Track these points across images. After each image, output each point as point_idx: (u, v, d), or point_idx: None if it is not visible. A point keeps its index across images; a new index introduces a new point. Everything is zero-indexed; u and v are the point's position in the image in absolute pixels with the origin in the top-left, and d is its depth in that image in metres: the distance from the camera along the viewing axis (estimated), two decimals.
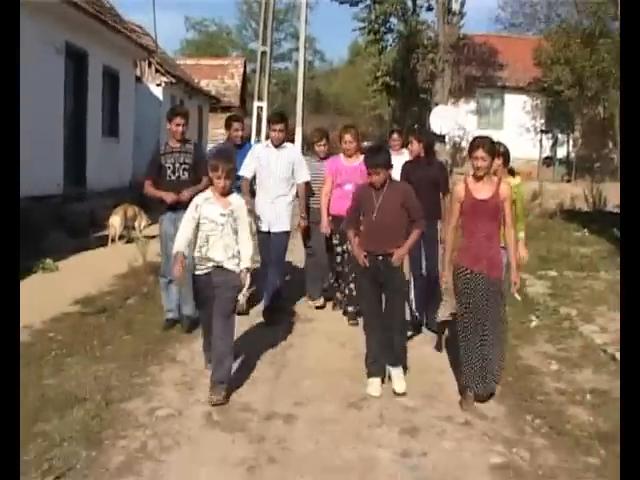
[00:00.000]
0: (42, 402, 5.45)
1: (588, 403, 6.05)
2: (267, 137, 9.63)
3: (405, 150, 8.94)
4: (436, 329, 7.81)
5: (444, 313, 8.26)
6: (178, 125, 7.48)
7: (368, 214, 6.14)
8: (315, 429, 5.33)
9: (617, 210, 16.40)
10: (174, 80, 24.87)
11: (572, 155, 34.80)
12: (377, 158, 6.08)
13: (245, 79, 40.46)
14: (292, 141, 13.70)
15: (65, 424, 5.10)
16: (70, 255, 11.56)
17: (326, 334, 7.97)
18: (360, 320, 7.60)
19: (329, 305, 9.14)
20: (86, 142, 16.65)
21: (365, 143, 20.44)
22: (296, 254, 10.33)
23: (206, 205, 5.93)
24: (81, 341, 7.11)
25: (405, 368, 6.19)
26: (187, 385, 6.13)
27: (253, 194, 8.37)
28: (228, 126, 9.13)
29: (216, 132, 33.22)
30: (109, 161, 18.00)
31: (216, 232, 5.89)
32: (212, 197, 5.95)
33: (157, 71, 24.15)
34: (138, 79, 22.72)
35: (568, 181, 31.43)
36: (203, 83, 34.54)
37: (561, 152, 35.16)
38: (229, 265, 5.90)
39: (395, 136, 10.01)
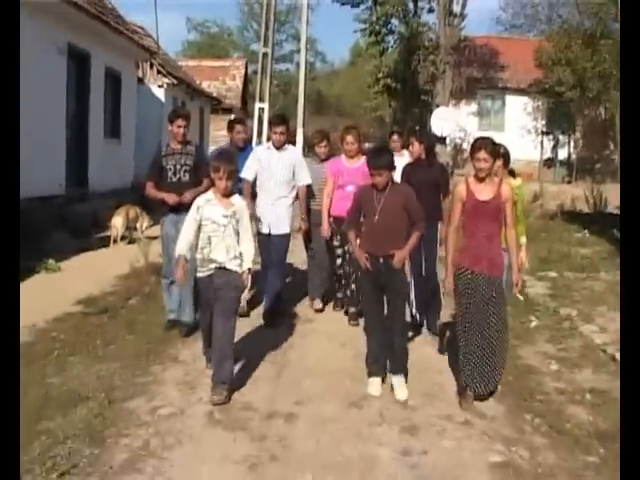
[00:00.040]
0: (45, 400, 5.49)
1: (588, 402, 6.09)
2: (268, 139, 9.66)
3: (405, 151, 8.94)
4: (437, 331, 7.81)
5: (444, 314, 8.28)
6: (180, 127, 7.49)
7: (370, 216, 6.14)
8: (316, 428, 5.37)
9: (617, 211, 16.44)
10: (176, 81, 24.91)
11: (573, 156, 34.85)
12: (380, 160, 6.07)
13: (246, 80, 40.53)
14: (293, 143, 13.73)
15: (68, 422, 5.14)
16: (72, 256, 11.61)
17: (326, 334, 8.01)
18: (361, 321, 7.65)
19: (330, 306, 9.14)
20: (88, 143, 16.70)
21: (366, 145, 20.48)
22: (297, 256, 10.36)
23: (208, 206, 5.93)
24: (84, 341, 7.15)
25: (406, 375, 6.16)
26: (189, 384, 6.16)
27: (255, 197, 8.36)
28: (231, 129, 9.13)
29: (217, 134, 33.29)
30: (111, 162, 18.05)
31: (218, 233, 5.88)
32: (214, 198, 5.96)
33: (159, 72, 24.19)
34: (140, 80, 22.79)
35: (569, 182, 31.47)
36: (204, 84, 34.59)
37: (562, 153, 35.20)
38: (231, 266, 5.90)
39: (395, 137, 10.02)
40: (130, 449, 4.86)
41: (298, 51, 38.78)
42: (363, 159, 8.32)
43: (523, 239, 7.06)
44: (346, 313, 8.63)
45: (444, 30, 30.46)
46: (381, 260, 6.08)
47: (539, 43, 33.93)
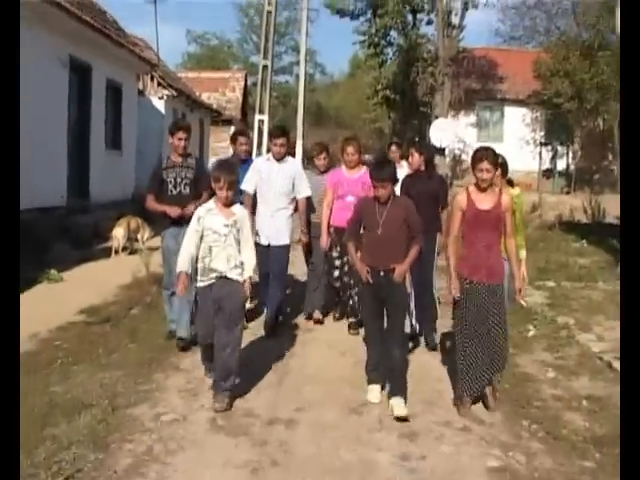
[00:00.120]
0: (50, 408, 5.56)
1: (584, 409, 6.16)
2: (268, 150, 9.69)
3: (404, 162, 8.99)
4: (434, 345, 7.84)
5: (444, 324, 8.33)
6: (180, 139, 7.48)
7: (371, 228, 6.12)
8: (316, 433, 5.45)
9: (616, 221, 16.54)
10: (176, 93, 25.01)
11: (572, 167, 34.91)
12: (383, 172, 6.04)
13: (246, 92, 40.65)
14: (293, 154, 13.82)
15: (73, 428, 5.21)
16: (74, 266, 11.69)
17: (327, 343, 8.09)
18: (361, 330, 7.72)
19: (329, 317, 9.14)
20: (89, 155, 16.82)
21: (366, 156, 20.56)
22: (297, 267, 10.43)
23: (209, 216, 5.93)
24: (87, 349, 7.23)
25: (405, 392, 6.03)
26: (191, 392, 6.24)
27: (255, 208, 8.34)
28: (234, 140, 9.16)
29: (217, 145, 33.43)
30: (112, 173, 18.16)
31: (219, 243, 5.88)
32: (215, 208, 5.96)
33: (159, 84, 24.28)
34: (140, 92, 22.90)
35: (567, 193, 31.56)
36: (204, 96, 34.68)
37: (561, 164, 35.26)
38: (232, 275, 5.90)
39: (394, 148, 10.10)
40: (134, 454, 4.94)
41: (298, 63, 38.97)
42: (363, 169, 8.41)
43: (523, 253, 7.00)
44: (349, 323, 8.64)
45: (443, 42, 30.61)
46: (382, 274, 6.07)
47: (537, 55, 34.04)
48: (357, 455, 5.10)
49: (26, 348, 7.06)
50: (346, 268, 8.43)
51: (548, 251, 14.30)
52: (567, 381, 6.94)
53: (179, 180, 7.50)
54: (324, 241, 8.53)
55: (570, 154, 35.32)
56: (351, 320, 8.57)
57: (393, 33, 34.78)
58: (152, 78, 23.97)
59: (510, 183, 7.40)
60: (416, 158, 7.94)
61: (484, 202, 5.94)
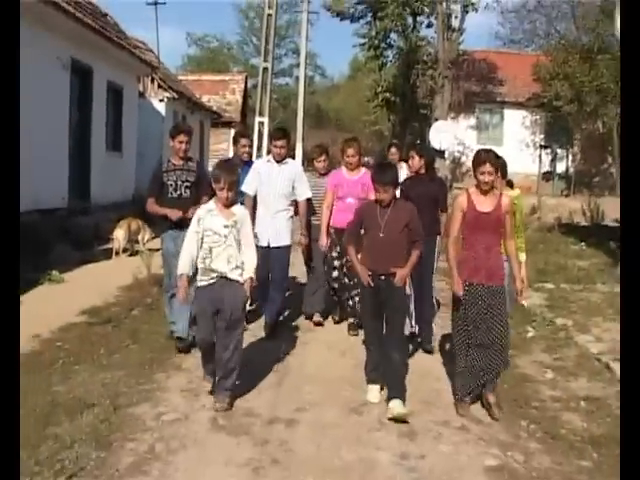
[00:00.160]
0: (52, 407, 5.59)
1: (582, 409, 6.22)
2: (268, 152, 9.70)
3: (404, 164, 9.02)
4: (431, 349, 7.85)
5: (445, 325, 8.36)
6: (181, 142, 7.44)
7: (373, 231, 6.11)
8: (317, 433, 5.50)
9: (614, 224, 16.60)
10: (176, 95, 25.05)
11: (571, 170, 34.97)
12: (386, 176, 6.04)
13: (246, 95, 40.73)
14: (293, 157, 13.84)
15: (75, 427, 5.25)
16: (75, 267, 11.72)
17: (327, 343, 8.14)
18: (360, 331, 7.75)
19: (329, 319, 9.14)
20: (90, 157, 16.86)
21: (366, 158, 20.63)
22: (297, 268, 10.47)
23: (209, 217, 5.91)
24: (88, 350, 7.25)
25: (404, 395, 6.04)
26: (192, 392, 6.28)
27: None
28: (236, 142, 9.18)
29: (217, 147, 33.51)
30: (113, 175, 18.21)
31: (219, 243, 5.87)
32: (215, 209, 5.94)
33: (160, 87, 24.33)
34: (141, 94, 22.95)
35: (567, 196, 31.60)
36: (204, 99, 34.72)
37: (560, 167, 35.33)
38: (233, 276, 5.90)
39: (393, 150, 10.14)
40: (136, 453, 4.99)
41: (298, 65, 39.05)
42: (363, 171, 8.44)
43: (523, 256, 7.02)
44: (349, 323, 8.66)
45: (443, 44, 30.67)
46: (382, 278, 6.08)
47: (537, 58, 34.08)
48: (357, 454, 5.15)
49: (28, 348, 7.11)
50: (345, 269, 8.43)
51: (547, 253, 14.36)
52: (565, 382, 6.99)
53: (180, 183, 7.46)
54: (323, 242, 8.53)
55: (569, 157, 35.40)
56: (351, 321, 8.60)
57: (393, 36, 34.86)
58: (152, 80, 24.02)
59: (510, 184, 7.43)
60: (416, 161, 7.93)
61: (485, 204, 5.95)
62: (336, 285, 8.71)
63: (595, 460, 5.20)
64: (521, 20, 41.21)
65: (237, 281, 5.93)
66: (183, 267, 5.97)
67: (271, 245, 8.21)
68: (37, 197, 12.68)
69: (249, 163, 9.03)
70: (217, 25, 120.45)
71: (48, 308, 8.80)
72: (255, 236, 7.68)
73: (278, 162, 8.32)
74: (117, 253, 13.32)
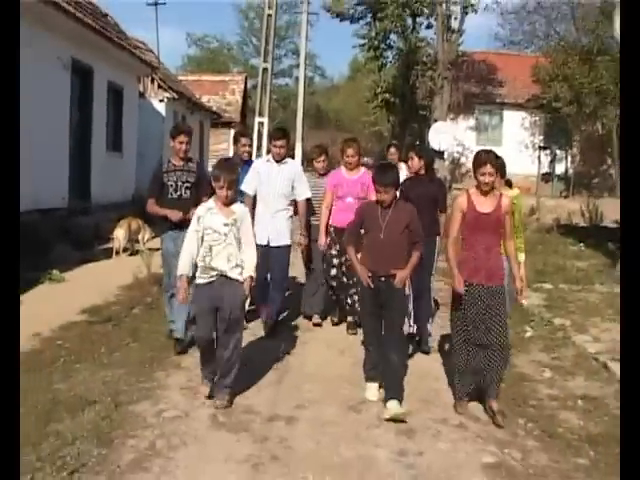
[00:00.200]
0: (53, 404, 5.64)
1: (579, 408, 6.27)
2: (268, 152, 9.72)
3: (403, 165, 9.04)
4: (429, 349, 7.87)
5: (444, 325, 8.39)
6: (182, 143, 7.43)
7: (374, 232, 6.12)
8: (316, 430, 5.55)
9: (613, 225, 16.66)
10: (176, 96, 25.08)
11: (570, 171, 35.02)
12: (387, 177, 6.05)
13: (246, 95, 40.76)
14: (292, 157, 13.87)
15: (77, 424, 5.29)
16: (75, 267, 11.77)
17: (326, 342, 8.19)
18: (359, 330, 7.77)
19: (327, 320, 9.12)
20: (91, 157, 16.90)
21: (365, 159, 20.66)
22: (296, 268, 10.50)
23: (209, 215, 5.91)
24: (89, 348, 7.30)
25: (401, 395, 6.07)
26: (192, 389, 6.31)
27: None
28: (236, 141, 9.19)
29: (217, 147, 33.55)
30: (113, 175, 18.26)
31: (219, 242, 5.87)
32: (214, 207, 5.94)
33: (160, 87, 24.36)
34: (141, 95, 23.00)
35: (566, 197, 31.66)
36: (204, 99, 34.76)
37: (559, 168, 35.37)
38: (232, 274, 5.90)
39: (393, 150, 10.16)
40: (137, 449, 5.03)
41: (297, 66, 39.11)
42: (362, 170, 8.48)
43: (522, 256, 7.07)
44: (347, 323, 8.70)
45: (442, 46, 30.68)
46: (382, 279, 6.09)
47: (537, 59, 34.11)
48: (356, 451, 5.19)
49: (29, 347, 7.15)
50: (344, 268, 8.43)
51: (546, 254, 14.41)
52: (563, 381, 7.05)
53: (180, 184, 7.46)
54: (322, 241, 8.55)
55: (569, 158, 35.46)
56: (349, 319, 8.64)
57: (393, 37, 34.83)
58: (153, 81, 24.06)
59: (508, 184, 7.46)
60: (415, 162, 7.94)
61: (485, 205, 5.96)
62: (334, 283, 8.70)
63: (592, 458, 5.25)
64: (521, 21, 41.24)
65: (237, 280, 5.93)
66: (183, 267, 5.97)
67: (271, 244, 8.23)
68: (37, 197, 12.73)
69: (249, 162, 9.04)
70: (217, 25, 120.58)
71: (49, 307, 8.84)
72: (253, 235, 7.75)
73: (278, 162, 8.34)
74: (117, 252, 13.37)
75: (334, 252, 8.56)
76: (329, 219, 8.56)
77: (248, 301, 7.76)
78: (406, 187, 7.69)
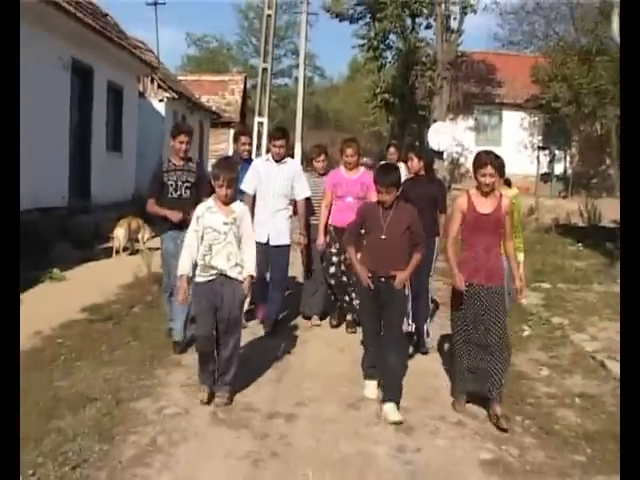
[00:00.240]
0: (55, 402, 5.69)
1: (577, 406, 6.32)
2: (268, 151, 9.72)
3: (402, 165, 9.06)
4: (425, 351, 7.87)
5: (444, 325, 8.41)
6: (182, 143, 7.45)
7: (375, 233, 6.12)
8: (315, 427, 5.60)
9: (611, 225, 16.70)
10: (176, 96, 25.09)
11: (569, 171, 35.05)
12: (389, 178, 6.05)
13: (245, 95, 40.75)
14: (292, 156, 13.90)
15: (78, 421, 5.34)
16: (76, 266, 11.81)
17: (325, 341, 8.23)
18: (359, 329, 7.80)
19: (327, 320, 9.12)
20: (91, 156, 16.94)
21: (364, 159, 20.67)
22: (296, 267, 10.51)
23: (208, 214, 5.92)
24: (89, 346, 7.34)
25: (399, 396, 6.09)
26: (192, 387, 6.33)
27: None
28: (236, 139, 9.20)
29: (217, 147, 33.58)
30: (113, 175, 18.29)
31: (219, 241, 5.88)
32: (214, 206, 5.95)
33: (159, 87, 24.37)
34: (141, 95, 23.02)
35: (565, 197, 31.69)
36: (204, 99, 34.76)
37: (558, 168, 35.38)
38: (232, 273, 5.91)
39: (392, 150, 10.18)
40: (138, 445, 5.08)
41: (297, 66, 39.12)
42: (362, 170, 8.51)
43: (521, 256, 7.10)
44: (346, 321, 8.73)
45: (441, 46, 30.69)
46: (382, 280, 6.10)
47: (536, 59, 34.08)
48: (355, 448, 5.24)
49: (30, 345, 7.20)
50: (343, 267, 8.45)
51: (544, 254, 14.45)
52: (561, 379, 7.09)
53: (180, 183, 7.47)
54: (321, 240, 8.56)
55: (568, 158, 35.47)
56: (349, 318, 8.67)
57: (392, 37, 34.79)
58: (152, 80, 24.07)
59: (507, 183, 7.49)
60: (415, 162, 7.96)
61: (485, 206, 5.98)
62: (333, 282, 8.70)
63: (589, 455, 5.30)
64: (520, 22, 41.20)
65: (236, 279, 5.95)
66: (183, 267, 5.97)
67: (271, 243, 8.24)
68: (37, 196, 12.77)
69: (249, 161, 9.05)
70: (217, 25, 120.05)
71: (49, 306, 8.89)
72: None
73: (277, 161, 8.36)
74: (117, 252, 13.41)
75: (334, 250, 8.57)
76: (328, 218, 8.58)
77: (248, 300, 7.78)
78: (406, 188, 7.65)
